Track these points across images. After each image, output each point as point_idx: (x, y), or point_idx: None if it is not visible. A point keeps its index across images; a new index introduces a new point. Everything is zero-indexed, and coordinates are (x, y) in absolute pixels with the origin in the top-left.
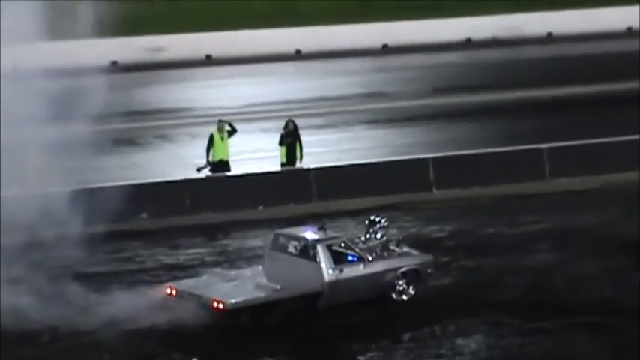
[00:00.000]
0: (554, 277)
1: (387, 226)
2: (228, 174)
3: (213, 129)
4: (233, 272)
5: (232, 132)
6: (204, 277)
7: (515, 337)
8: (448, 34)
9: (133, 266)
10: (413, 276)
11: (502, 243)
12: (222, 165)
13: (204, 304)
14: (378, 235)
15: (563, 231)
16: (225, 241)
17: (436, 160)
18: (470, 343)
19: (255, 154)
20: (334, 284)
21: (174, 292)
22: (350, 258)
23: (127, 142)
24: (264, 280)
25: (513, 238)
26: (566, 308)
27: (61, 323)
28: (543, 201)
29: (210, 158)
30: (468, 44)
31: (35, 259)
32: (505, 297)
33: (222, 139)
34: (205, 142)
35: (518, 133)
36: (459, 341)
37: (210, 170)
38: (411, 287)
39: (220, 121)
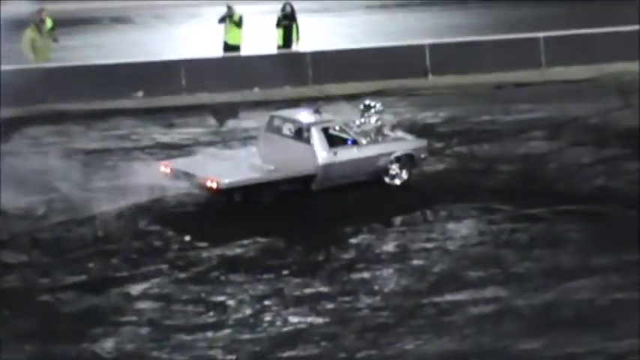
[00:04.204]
0: (548, 165)
1: (382, 110)
2: (223, 55)
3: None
4: (227, 152)
5: (239, 23)
6: (198, 157)
7: (507, 223)
8: None
9: (128, 144)
10: (406, 161)
11: (496, 130)
12: (234, 49)
13: (198, 183)
14: (373, 120)
15: (558, 120)
16: (220, 122)
17: (432, 47)
18: (461, 228)
19: (251, 35)
20: (327, 167)
21: (168, 170)
22: (344, 141)
23: (124, 20)
24: (258, 161)
25: (508, 126)
26: (559, 196)
27: (56, 198)
28: (539, 89)
29: (225, 39)
30: None
31: (31, 133)
32: (498, 184)
33: (235, 24)
34: (203, 22)
35: (515, 21)
36: (451, 226)
37: (223, 50)
38: (404, 172)
39: (229, 7)
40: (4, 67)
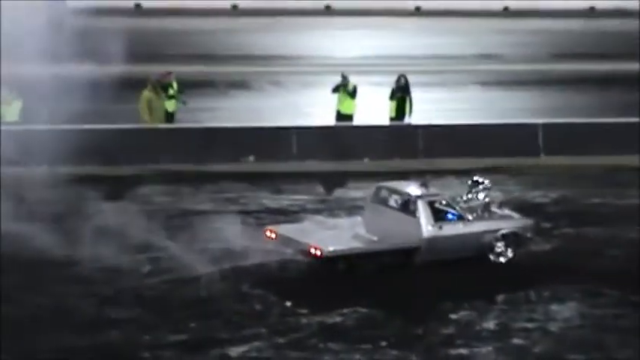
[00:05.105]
0: None
1: (490, 187)
2: (336, 124)
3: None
4: (333, 221)
5: (353, 94)
6: (304, 224)
7: (611, 308)
8: (571, 1)
9: (235, 207)
10: (512, 239)
11: (607, 213)
12: (347, 118)
13: (303, 249)
14: (480, 196)
15: None
16: (327, 190)
17: (546, 126)
18: (564, 310)
19: (364, 106)
20: (432, 240)
21: (273, 235)
22: (450, 216)
23: (241, 85)
24: (362, 231)
25: (619, 210)
26: None
27: (163, 256)
28: None
29: (338, 108)
30: (590, 13)
31: (141, 192)
32: (605, 268)
33: (348, 94)
34: (318, 91)
35: (632, 105)
36: (553, 307)
37: (336, 119)
38: (509, 250)
39: (344, 76)
40: (122, 126)
